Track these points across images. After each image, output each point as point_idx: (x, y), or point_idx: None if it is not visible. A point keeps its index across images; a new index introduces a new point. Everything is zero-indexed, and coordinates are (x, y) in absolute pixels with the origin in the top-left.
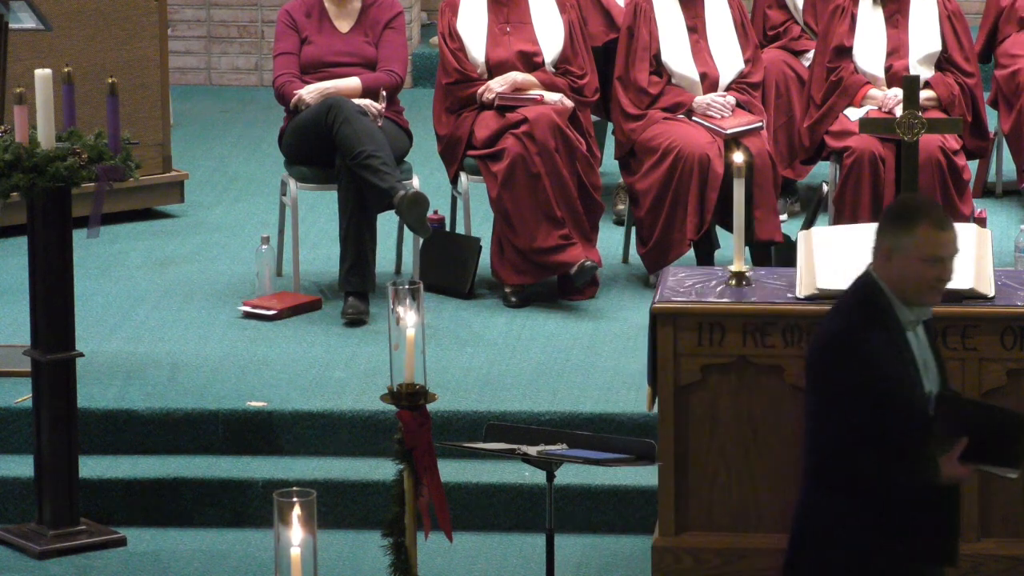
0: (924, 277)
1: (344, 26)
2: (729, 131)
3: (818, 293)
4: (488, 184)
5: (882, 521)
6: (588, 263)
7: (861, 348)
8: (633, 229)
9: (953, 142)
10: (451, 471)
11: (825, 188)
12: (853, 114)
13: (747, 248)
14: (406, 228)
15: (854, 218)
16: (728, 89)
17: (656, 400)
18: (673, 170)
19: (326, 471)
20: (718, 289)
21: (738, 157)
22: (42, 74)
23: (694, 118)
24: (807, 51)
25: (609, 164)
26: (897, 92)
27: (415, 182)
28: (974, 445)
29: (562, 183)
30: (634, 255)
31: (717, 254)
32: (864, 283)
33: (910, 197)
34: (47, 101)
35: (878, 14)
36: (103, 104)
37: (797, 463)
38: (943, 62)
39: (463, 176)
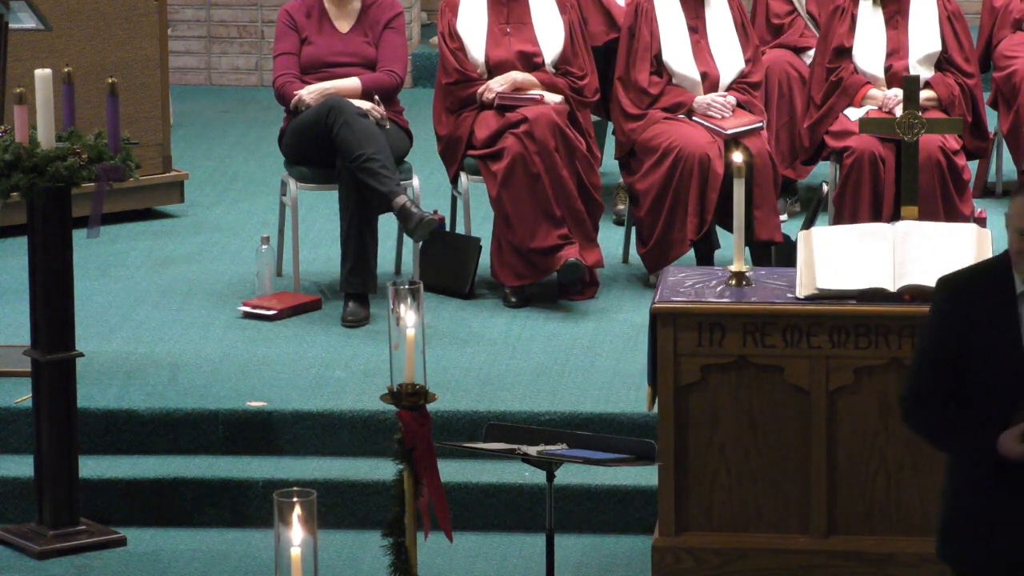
0: (1014, 247)
1: (344, 26)
2: (729, 131)
3: (818, 293)
4: (488, 184)
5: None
6: (571, 260)
7: (933, 300)
8: (633, 229)
9: (953, 142)
10: (451, 471)
11: (825, 188)
12: (853, 114)
13: (747, 248)
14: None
15: (854, 218)
16: (728, 89)
17: (656, 400)
18: (673, 170)
19: (326, 471)
20: (718, 289)
21: (738, 157)
22: (42, 74)
23: (694, 118)
24: (809, 48)
25: (609, 164)
26: (897, 92)
27: (415, 182)
28: None
29: (562, 183)
30: (634, 255)
31: (717, 254)
32: (1001, 255)
33: None
34: (47, 101)
35: (878, 15)
36: (103, 104)
37: (797, 463)
38: (943, 62)
39: (463, 176)
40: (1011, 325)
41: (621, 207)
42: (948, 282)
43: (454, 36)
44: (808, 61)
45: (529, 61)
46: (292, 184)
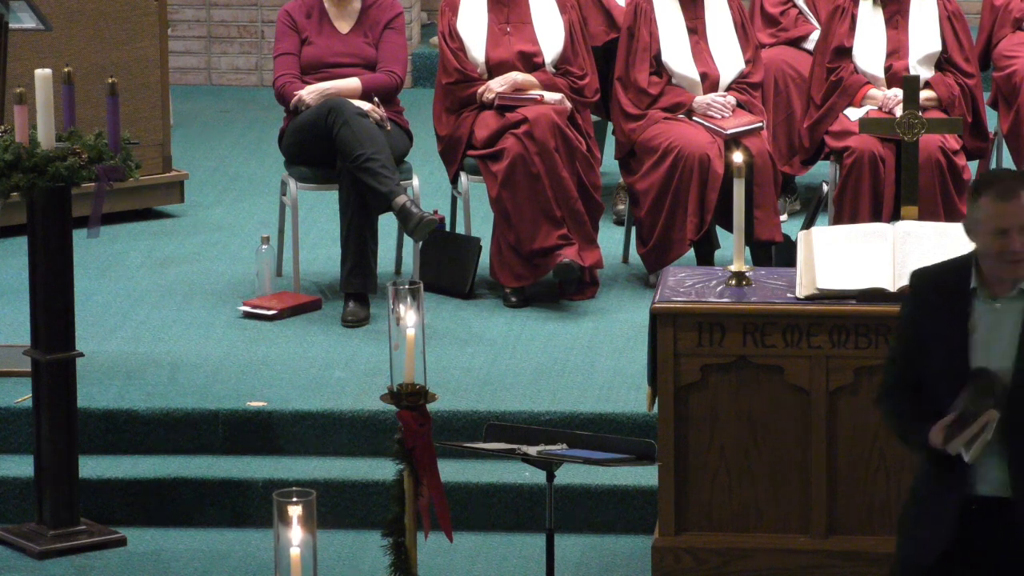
0: (993, 250)
1: (344, 27)
2: (729, 131)
3: (818, 293)
4: (488, 184)
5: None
6: (565, 261)
7: (903, 301)
8: (633, 229)
9: (953, 142)
10: (451, 471)
11: (825, 188)
12: (853, 114)
13: (747, 248)
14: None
15: (854, 218)
16: (728, 89)
17: (656, 400)
18: (673, 170)
19: (326, 471)
20: (718, 289)
21: (738, 157)
22: (42, 74)
23: (694, 118)
24: (808, 35)
25: (609, 164)
26: (897, 92)
27: (415, 182)
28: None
29: (562, 183)
30: (634, 255)
31: (717, 254)
32: (969, 252)
33: (988, 171)
34: (47, 101)
35: (878, 15)
36: (103, 104)
37: (797, 463)
38: (943, 62)
39: (463, 176)
40: (961, 320)
41: (621, 207)
42: (917, 275)
43: (454, 36)
44: (809, 46)
45: (529, 61)
46: (292, 184)
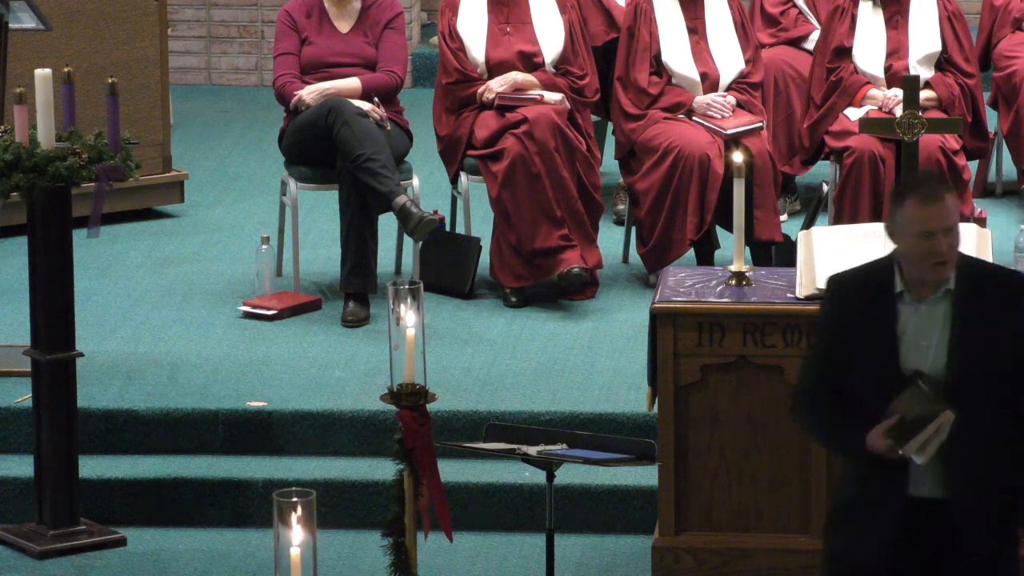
0: (918, 253)
1: (344, 26)
2: (729, 131)
3: (818, 293)
4: (488, 184)
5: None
6: (575, 270)
7: (823, 298)
8: (633, 229)
9: (953, 142)
10: (451, 471)
11: (825, 188)
12: (853, 114)
13: (747, 248)
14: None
15: (854, 218)
16: (728, 89)
17: (656, 400)
18: (673, 170)
19: (326, 471)
20: (718, 289)
21: (738, 157)
22: (42, 74)
23: (694, 118)
24: (808, 35)
25: (609, 164)
26: (897, 92)
27: (415, 182)
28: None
29: (562, 183)
30: (634, 255)
31: (717, 254)
32: (888, 256)
33: (909, 174)
34: (47, 101)
35: (878, 15)
36: (103, 104)
37: (797, 463)
38: (943, 62)
39: (463, 176)
40: (889, 323)
41: (621, 207)
42: (836, 280)
43: (454, 36)
44: (809, 46)
45: (529, 61)
46: (292, 184)
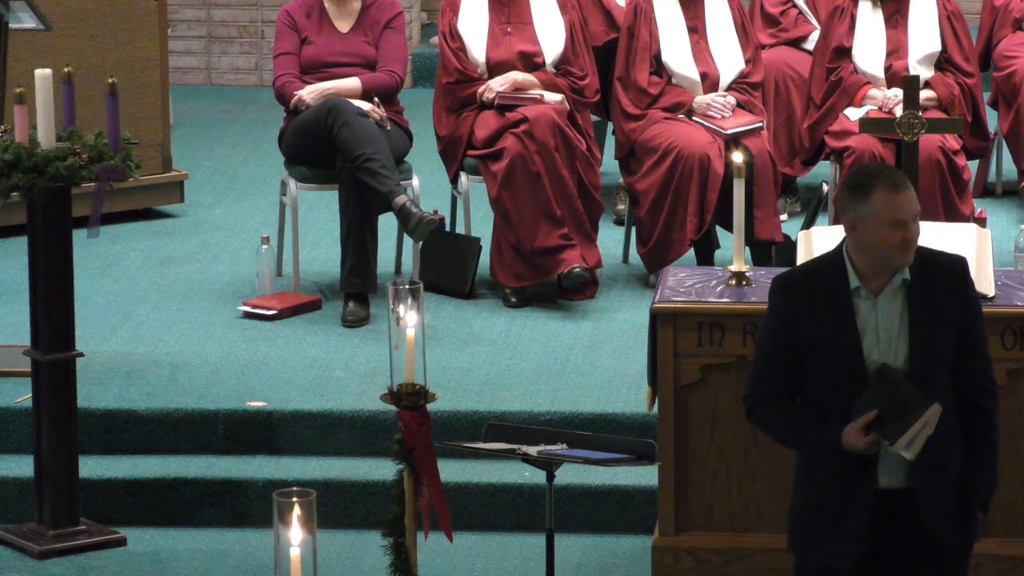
0: (890, 242)
1: (344, 26)
2: (729, 131)
3: None
4: (488, 184)
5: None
6: (576, 270)
7: (769, 300)
8: (633, 229)
9: (953, 142)
10: (451, 471)
11: (825, 188)
12: (853, 114)
13: (747, 248)
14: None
15: None
16: (728, 89)
17: (656, 400)
18: (673, 170)
19: (326, 471)
20: (718, 289)
21: (738, 157)
22: (42, 74)
23: (694, 118)
24: (808, 35)
25: (609, 164)
26: (897, 92)
27: (415, 182)
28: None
29: (562, 183)
30: (634, 255)
31: (717, 254)
32: (832, 253)
33: (863, 166)
34: (47, 101)
35: (878, 15)
36: (103, 104)
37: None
38: (943, 62)
39: (463, 176)
40: (847, 321)
41: (621, 207)
42: (783, 281)
43: (455, 36)
44: (809, 46)
45: (529, 61)
46: (292, 184)
